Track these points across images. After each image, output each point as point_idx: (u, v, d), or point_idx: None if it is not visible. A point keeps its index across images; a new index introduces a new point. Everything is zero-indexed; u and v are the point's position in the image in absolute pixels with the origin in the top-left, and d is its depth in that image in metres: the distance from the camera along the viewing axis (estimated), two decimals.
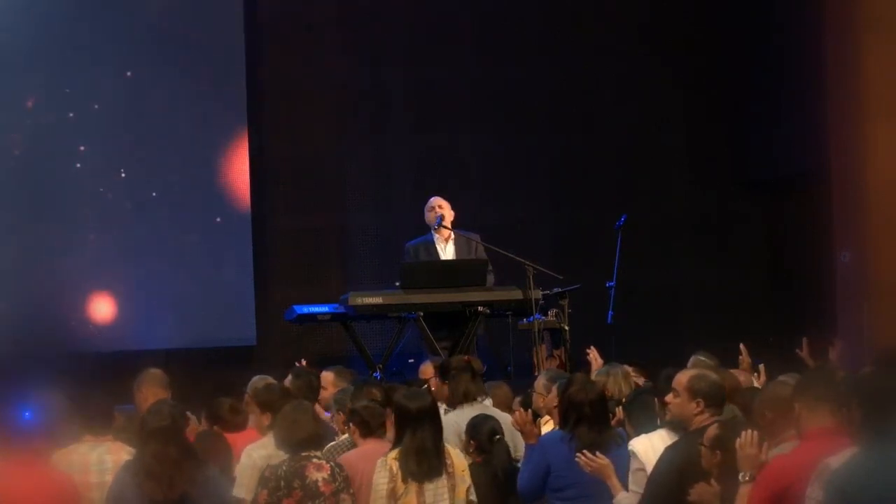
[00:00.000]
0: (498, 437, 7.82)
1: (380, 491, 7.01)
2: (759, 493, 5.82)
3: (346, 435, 7.76)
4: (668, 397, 6.77)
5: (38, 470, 6.42)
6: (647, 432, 7.28)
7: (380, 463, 7.05)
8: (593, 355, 9.61)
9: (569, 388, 7.44)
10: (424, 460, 7.05)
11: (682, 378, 6.73)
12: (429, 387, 8.83)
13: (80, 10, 13.25)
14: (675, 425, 6.75)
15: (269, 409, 7.70)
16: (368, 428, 7.33)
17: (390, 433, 7.30)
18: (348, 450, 7.49)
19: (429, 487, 7.06)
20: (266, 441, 7.44)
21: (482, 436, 7.80)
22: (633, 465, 6.86)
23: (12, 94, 13.07)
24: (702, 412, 6.62)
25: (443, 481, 7.10)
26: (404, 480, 7.01)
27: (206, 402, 8.21)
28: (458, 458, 7.25)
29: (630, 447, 6.92)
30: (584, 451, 7.08)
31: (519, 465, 7.74)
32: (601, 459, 7.04)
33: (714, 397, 6.66)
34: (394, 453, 7.07)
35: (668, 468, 6.48)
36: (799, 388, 5.99)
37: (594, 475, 7.06)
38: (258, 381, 8.53)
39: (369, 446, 7.28)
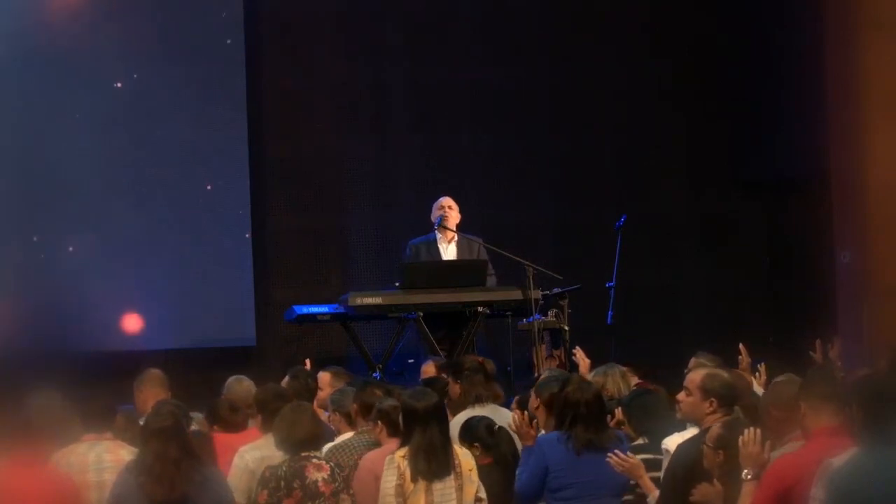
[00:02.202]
0: (497, 427, 7.81)
1: (388, 489, 7.01)
2: (764, 493, 5.83)
3: (348, 434, 7.76)
4: (681, 395, 6.76)
5: (37, 470, 6.42)
6: (650, 432, 7.30)
7: (387, 461, 7.06)
8: (580, 355, 9.61)
9: (565, 388, 7.45)
10: (433, 459, 7.06)
11: (696, 377, 6.73)
12: (445, 385, 8.80)
13: (78, 8, 13.24)
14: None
15: (262, 409, 7.71)
16: (397, 428, 7.33)
17: None
18: (356, 448, 7.50)
19: (437, 487, 7.07)
20: (261, 442, 7.43)
21: (481, 432, 7.78)
22: (667, 464, 6.86)
23: (13, 96, 13.06)
24: (714, 411, 6.63)
25: (451, 481, 7.11)
26: (413, 479, 7.01)
27: (206, 403, 8.21)
28: (465, 458, 7.26)
29: (664, 445, 6.93)
30: (616, 451, 7.09)
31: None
32: (632, 459, 7.05)
33: (726, 397, 6.67)
34: (402, 451, 7.08)
35: (682, 465, 6.48)
36: (804, 388, 5.99)
37: (626, 475, 7.06)
38: (234, 382, 8.54)
39: (393, 446, 7.27)
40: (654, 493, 6.93)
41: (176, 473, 6.42)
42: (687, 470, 6.42)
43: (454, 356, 10.66)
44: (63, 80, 13.18)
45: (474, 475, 7.24)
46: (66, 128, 13.14)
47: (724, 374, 6.93)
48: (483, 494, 7.26)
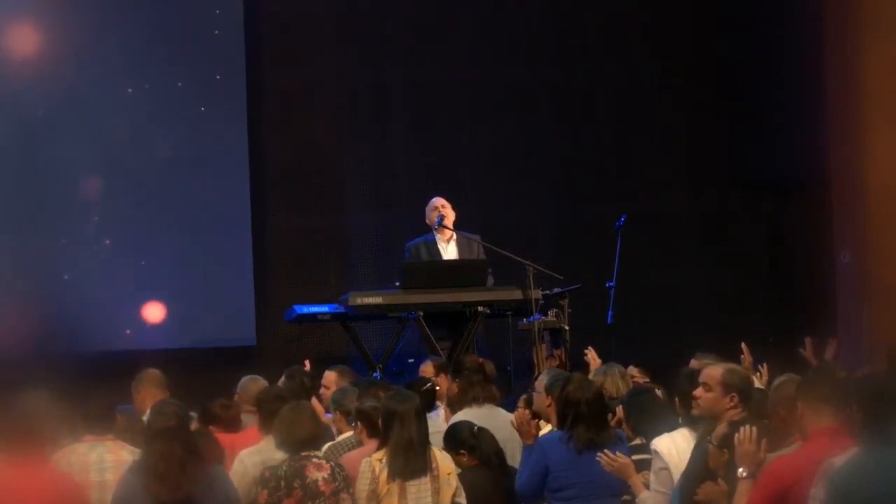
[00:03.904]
0: (476, 427, 7.80)
1: (361, 492, 7.00)
2: (761, 493, 5.82)
3: (348, 434, 7.76)
4: (698, 391, 6.66)
5: (38, 470, 6.41)
6: (646, 432, 7.29)
7: (364, 463, 7.06)
8: (591, 355, 9.62)
9: (566, 387, 7.44)
10: (411, 457, 7.05)
11: (715, 373, 6.66)
12: (434, 385, 8.83)
13: (77, 9, 13.24)
14: (694, 423, 6.71)
15: (260, 409, 7.71)
16: (376, 429, 7.33)
17: None
18: (351, 448, 7.49)
19: (411, 489, 7.05)
20: (261, 446, 7.42)
21: (464, 436, 7.75)
22: (657, 465, 6.84)
23: (15, 97, 13.06)
24: (735, 406, 6.57)
25: (426, 483, 7.09)
26: (388, 480, 7.00)
27: (202, 404, 8.19)
28: (443, 461, 7.23)
29: (653, 446, 6.90)
30: (605, 451, 7.09)
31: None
32: (622, 459, 7.04)
33: (746, 391, 6.62)
34: (378, 454, 7.07)
35: (700, 463, 6.45)
36: (802, 389, 5.98)
37: (615, 475, 7.05)
38: (249, 381, 8.54)
39: (373, 446, 7.27)
40: (643, 494, 6.92)
41: (181, 473, 6.39)
42: (706, 468, 6.40)
43: (454, 356, 10.66)
44: (60, 80, 13.17)
45: (453, 479, 7.21)
46: (66, 127, 13.13)
47: (741, 369, 6.91)
48: (462, 499, 7.23)
